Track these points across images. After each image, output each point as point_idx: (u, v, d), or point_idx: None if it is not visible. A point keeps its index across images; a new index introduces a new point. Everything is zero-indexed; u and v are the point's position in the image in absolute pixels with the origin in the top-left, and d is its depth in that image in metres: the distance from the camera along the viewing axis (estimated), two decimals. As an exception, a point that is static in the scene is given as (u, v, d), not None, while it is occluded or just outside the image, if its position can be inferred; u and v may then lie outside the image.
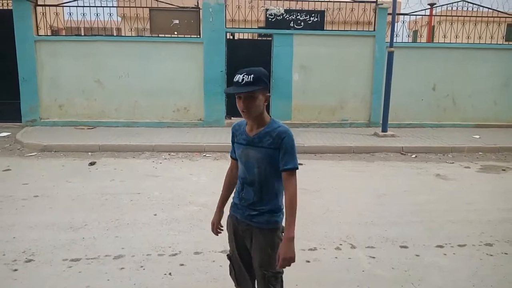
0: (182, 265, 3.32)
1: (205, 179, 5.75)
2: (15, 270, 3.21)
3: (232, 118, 9.59)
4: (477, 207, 4.83)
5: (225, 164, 6.67)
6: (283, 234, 2.12)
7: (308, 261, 3.42)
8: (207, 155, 7.31)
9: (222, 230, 2.30)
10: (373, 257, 3.51)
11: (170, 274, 3.18)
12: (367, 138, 8.60)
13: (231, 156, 2.27)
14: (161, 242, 3.72)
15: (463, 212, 4.64)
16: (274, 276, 2.09)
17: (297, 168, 2.02)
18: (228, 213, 2.27)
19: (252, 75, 1.91)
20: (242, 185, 2.14)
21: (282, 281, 2.15)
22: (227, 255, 2.31)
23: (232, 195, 2.28)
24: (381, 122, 9.05)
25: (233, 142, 2.19)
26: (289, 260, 1.98)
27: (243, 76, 1.92)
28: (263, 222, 2.06)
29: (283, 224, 2.12)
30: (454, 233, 4.05)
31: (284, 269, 2.13)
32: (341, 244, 3.75)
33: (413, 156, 7.58)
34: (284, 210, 2.10)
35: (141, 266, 3.29)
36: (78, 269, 3.24)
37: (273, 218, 2.08)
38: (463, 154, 7.79)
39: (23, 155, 7.15)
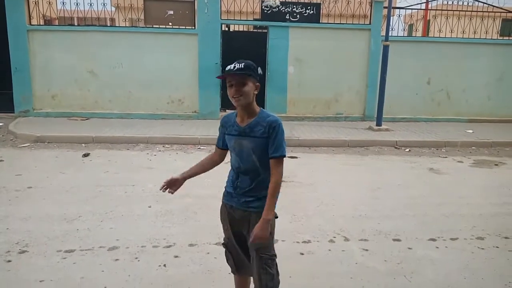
0: (176, 257, 3.33)
1: (199, 172, 5.72)
2: (9, 261, 3.19)
3: (226, 110, 9.56)
4: (469, 201, 4.89)
5: (220, 156, 6.70)
6: (276, 219, 2.22)
7: (302, 254, 3.45)
8: (201, 147, 7.29)
9: (171, 192, 2.35)
10: (366, 250, 3.54)
11: (164, 265, 3.19)
12: (362, 132, 8.63)
13: (216, 145, 2.35)
14: (156, 234, 3.72)
15: (455, 206, 4.69)
16: (270, 259, 2.17)
17: (285, 156, 2.12)
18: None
19: (243, 63, 2.06)
20: (236, 174, 2.21)
21: (276, 264, 2.23)
22: (223, 244, 2.36)
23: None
24: (375, 116, 9.08)
25: (222, 133, 2.28)
26: (261, 238, 2.08)
27: (235, 64, 2.07)
28: (260, 207, 2.13)
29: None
30: (446, 226, 4.10)
31: (276, 256, 2.22)
32: (334, 237, 3.78)
33: (407, 150, 7.63)
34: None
35: (136, 258, 3.30)
36: (73, 260, 3.23)
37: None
38: (457, 148, 7.86)
39: (16, 146, 7.09)
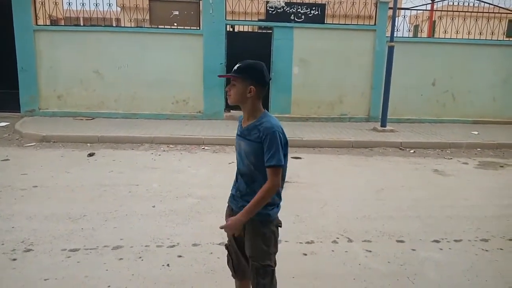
0: (180, 256, 3.34)
1: (203, 172, 5.76)
2: (14, 259, 3.22)
3: (231, 111, 9.59)
4: (474, 203, 4.86)
5: (224, 157, 6.73)
6: (278, 228, 2.16)
7: (305, 254, 3.45)
8: (206, 148, 7.31)
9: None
10: (370, 251, 3.53)
11: (168, 265, 3.20)
12: (366, 133, 8.61)
13: None
14: (160, 234, 3.74)
15: (460, 208, 4.67)
16: (263, 269, 2.10)
17: (280, 166, 1.99)
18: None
19: (242, 64, 2.06)
20: (236, 176, 2.20)
21: (273, 274, 2.15)
22: (225, 245, 2.33)
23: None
24: (380, 117, 9.05)
25: None
26: (229, 229, 2.05)
27: (238, 64, 2.08)
28: (258, 214, 2.04)
29: (279, 217, 2.17)
30: (450, 228, 4.08)
31: (276, 264, 2.16)
32: (338, 238, 3.78)
33: (412, 151, 7.60)
34: (279, 204, 2.15)
35: (140, 257, 3.31)
36: (77, 259, 3.26)
37: (264, 210, 2.06)
38: (462, 150, 7.82)
39: (22, 145, 7.15)
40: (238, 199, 2.16)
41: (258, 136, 2.00)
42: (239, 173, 2.16)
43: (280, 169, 2.00)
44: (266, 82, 2.08)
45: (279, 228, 2.20)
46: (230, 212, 2.22)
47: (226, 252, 2.34)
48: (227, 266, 2.36)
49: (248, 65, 2.06)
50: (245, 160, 2.09)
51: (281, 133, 2.02)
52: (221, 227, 2.08)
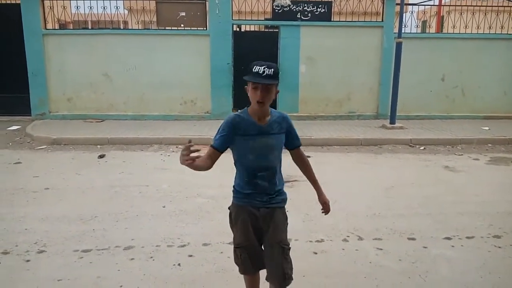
0: (190, 256, 3.36)
1: (212, 172, 5.75)
2: (28, 260, 3.27)
3: (239, 110, 9.57)
4: (485, 199, 4.81)
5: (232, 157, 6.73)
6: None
7: (316, 253, 3.45)
8: (214, 147, 7.32)
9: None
10: (381, 249, 3.52)
11: (179, 265, 3.22)
12: (375, 130, 8.56)
13: (217, 148, 2.16)
14: (170, 234, 3.76)
15: (471, 204, 4.62)
16: (289, 249, 2.28)
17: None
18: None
19: (272, 69, 2.06)
20: (254, 174, 2.20)
21: None
22: (238, 248, 2.28)
23: (232, 188, 2.34)
24: (389, 114, 8.99)
25: (229, 135, 2.16)
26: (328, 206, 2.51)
27: (264, 68, 2.04)
28: (281, 201, 2.29)
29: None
30: (462, 225, 4.04)
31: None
32: (348, 236, 3.76)
33: (422, 148, 7.54)
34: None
35: (151, 257, 3.34)
36: (89, 259, 3.29)
37: (285, 195, 2.33)
38: (472, 146, 7.73)
39: (33, 148, 7.24)
40: (261, 194, 2.22)
41: (281, 127, 2.21)
42: (260, 170, 2.19)
43: None
44: None
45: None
46: (251, 210, 2.22)
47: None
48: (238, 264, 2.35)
49: (277, 69, 2.10)
50: (270, 155, 2.20)
51: None
52: (326, 213, 2.52)
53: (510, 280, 3.06)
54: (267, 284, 2.32)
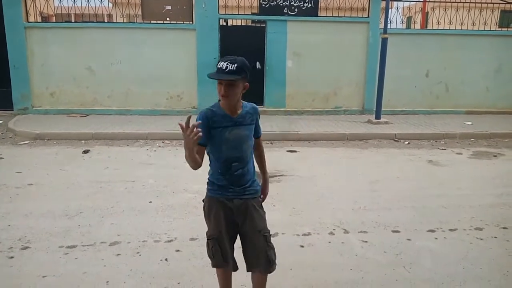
0: (178, 251, 3.36)
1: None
2: (11, 257, 3.22)
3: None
4: (468, 192, 4.91)
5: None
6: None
7: (302, 246, 3.48)
8: (201, 142, 7.29)
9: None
10: (366, 242, 3.57)
11: (166, 260, 3.22)
12: (361, 125, 8.64)
13: (201, 143, 2.09)
14: (157, 229, 3.75)
15: (454, 197, 4.71)
16: (270, 235, 2.31)
17: None
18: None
19: (235, 64, 2.04)
20: (228, 165, 2.20)
21: None
22: (210, 239, 2.30)
23: (205, 180, 2.33)
24: (374, 109, 9.08)
25: (206, 128, 2.12)
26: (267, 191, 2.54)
27: (227, 64, 2.04)
28: (255, 192, 2.31)
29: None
30: (445, 217, 4.12)
31: (275, 249, 2.32)
32: (334, 229, 3.80)
33: (406, 142, 7.65)
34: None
35: (137, 252, 3.32)
36: (75, 255, 3.26)
37: (258, 186, 2.36)
38: (455, 140, 7.88)
39: (16, 143, 7.10)
40: (234, 186, 2.22)
41: (252, 118, 2.26)
42: (232, 162, 2.20)
43: None
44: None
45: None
46: (224, 201, 2.22)
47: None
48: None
49: (243, 63, 2.06)
50: (244, 145, 2.22)
51: None
52: (263, 200, 2.43)
53: (492, 271, 3.14)
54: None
